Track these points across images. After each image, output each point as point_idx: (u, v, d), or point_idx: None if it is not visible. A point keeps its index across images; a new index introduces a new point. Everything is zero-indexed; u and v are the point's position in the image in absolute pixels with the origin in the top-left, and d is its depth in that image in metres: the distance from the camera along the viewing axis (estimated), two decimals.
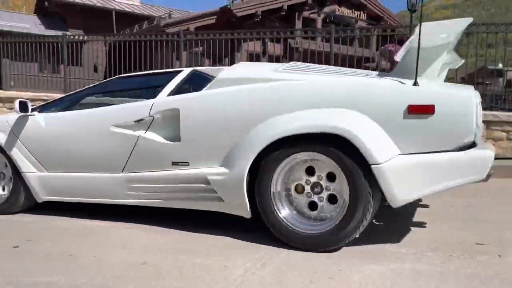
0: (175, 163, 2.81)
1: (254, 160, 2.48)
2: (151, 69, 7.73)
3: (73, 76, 8.67)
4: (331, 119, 2.33)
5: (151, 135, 2.88)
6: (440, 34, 2.44)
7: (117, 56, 7.99)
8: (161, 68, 7.83)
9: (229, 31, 7.20)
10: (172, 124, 2.82)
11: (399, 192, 2.25)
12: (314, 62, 6.65)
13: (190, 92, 2.96)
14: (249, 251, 2.45)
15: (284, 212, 2.51)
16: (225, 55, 7.15)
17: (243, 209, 2.60)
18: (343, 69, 3.20)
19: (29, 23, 16.31)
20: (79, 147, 3.14)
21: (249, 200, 2.56)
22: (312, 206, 2.52)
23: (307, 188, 2.51)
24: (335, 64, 6.47)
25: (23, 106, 3.29)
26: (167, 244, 2.64)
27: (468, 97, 2.26)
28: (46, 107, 3.58)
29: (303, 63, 3.29)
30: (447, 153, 2.26)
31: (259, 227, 2.68)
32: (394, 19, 16.77)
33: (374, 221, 3.05)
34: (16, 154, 3.37)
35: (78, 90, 3.83)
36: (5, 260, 2.36)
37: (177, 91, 3.00)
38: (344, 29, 7.19)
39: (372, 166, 2.23)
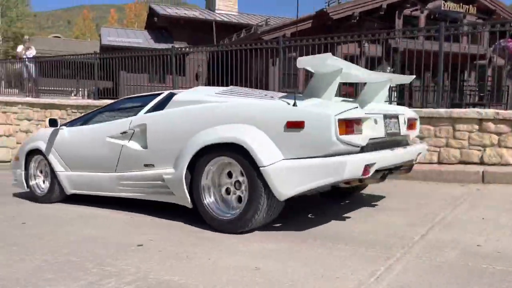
0: (145, 165, 3.66)
1: (191, 162, 3.21)
2: (249, 76, 7.96)
3: (178, 85, 9.30)
4: (233, 132, 3.03)
5: (131, 144, 3.77)
6: (329, 63, 2.84)
7: (217, 64, 8.35)
8: (259, 75, 8.04)
9: (327, 35, 7.11)
10: (143, 135, 3.67)
11: (281, 189, 2.85)
12: (420, 63, 6.26)
13: (162, 110, 3.69)
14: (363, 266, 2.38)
15: (208, 200, 3.23)
16: None
17: (186, 200, 3.33)
18: (261, 92, 3.86)
19: (141, 38, 17.92)
20: (88, 153, 4.14)
21: (191, 194, 3.29)
22: (240, 199, 3.15)
23: (233, 189, 3.20)
24: (445, 64, 6.01)
25: (53, 122, 4.49)
26: (280, 251, 2.67)
27: (327, 115, 2.75)
28: (72, 122, 4.66)
29: (237, 88, 3.96)
30: (317, 158, 2.79)
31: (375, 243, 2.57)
32: (507, 12, 15.13)
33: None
34: (51, 157, 4.47)
35: (96, 109, 4.81)
36: (132, 257, 2.59)
37: (153, 109, 3.78)
38: (455, 26, 6.64)
39: (260, 168, 2.87)
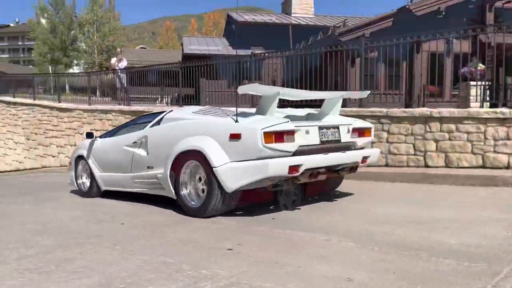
0: (148, 167, 4.68)
1: (173, 164, 4.19)
2: (327, 78, 7.80)
3: None
4: (197, 142, 4.00)
5: (139, 151, 4.81)
6: (262, 89, 4.08)
7: (295, 67, 8.30)
8: (338, 77, 7.88)
9: (412, 33, 6.75)
10: (146, 144, 4.71)
11: (228, 183, 3.74)
12: None
13: (159, 125, 4.74)
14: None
15: (184, 192, 4.20)
16: (403, 58, 6.73)
17: (171, 193, 4.28)
18: (227, 110, 4.54)
19: (220, 45, 18.56)
20: (112, 158, 5.28)
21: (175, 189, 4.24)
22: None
23: (205, 187, 4.00)
24: None
25: (90, 135, 5.76)
26: (367, 260, 2.59)
27: (255, 129, 3.60)
28: (104, 135, 5.89)
29: (211, 107, 5.06)
30: (252, 161, 3.66)
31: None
32: None
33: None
34: (90, 162, 5.66)
35: (122, 124, 6.19)
36: (224, 261, 2.67)
37: (155, 124, 4.77)
38: None
39: (213, 168, 3.79)
